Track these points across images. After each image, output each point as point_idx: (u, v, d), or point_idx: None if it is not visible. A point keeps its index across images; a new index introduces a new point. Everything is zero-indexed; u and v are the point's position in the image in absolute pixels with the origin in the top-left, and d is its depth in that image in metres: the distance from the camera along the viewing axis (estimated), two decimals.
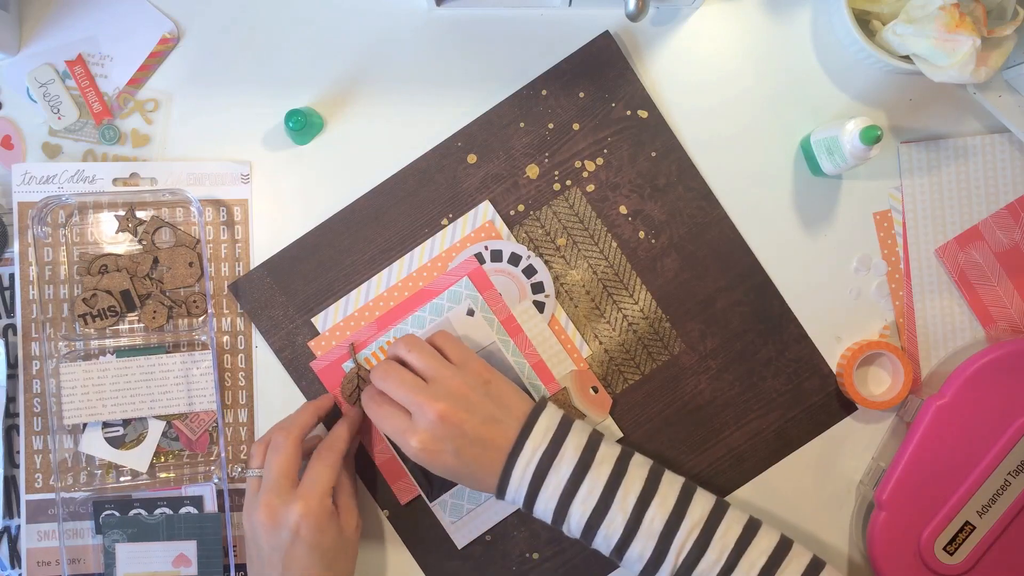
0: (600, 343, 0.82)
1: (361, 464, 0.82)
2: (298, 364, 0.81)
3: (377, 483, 0.82)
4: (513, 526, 0.82)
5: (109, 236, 0.81)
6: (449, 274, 0.81)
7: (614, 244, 0.82)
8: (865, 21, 0.78)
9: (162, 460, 0.81)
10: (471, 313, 0.80)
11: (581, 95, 0.81)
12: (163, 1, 0.81)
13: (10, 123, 0.82)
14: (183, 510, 0.81)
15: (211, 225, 0.81)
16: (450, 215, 0.82)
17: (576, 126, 0.82)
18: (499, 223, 0.81)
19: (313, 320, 0.81)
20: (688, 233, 0.82)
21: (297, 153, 0.82)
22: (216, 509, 0.81)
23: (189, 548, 0.81)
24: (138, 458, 0.81)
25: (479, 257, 0.81)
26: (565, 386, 0.80)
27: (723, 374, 0.82)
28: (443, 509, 0.81)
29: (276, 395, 0.82)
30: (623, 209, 0.82)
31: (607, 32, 0.81)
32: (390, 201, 0.81)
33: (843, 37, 0.80)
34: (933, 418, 0.76)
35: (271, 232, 0.82)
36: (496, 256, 0.81)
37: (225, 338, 0.81)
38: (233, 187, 0.81)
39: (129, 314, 0.81)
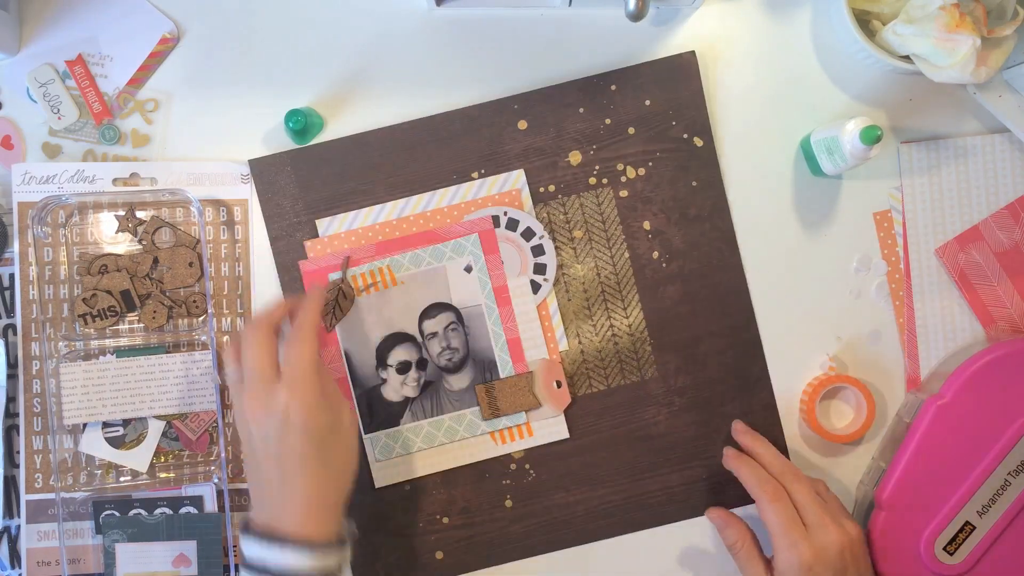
0: (579, 343, 0.82)
1: None
2: (288, 258, 0.81)
3: None
4: (434, 486, 0.81)
5: (109, 236, 0.81)
6: (462, 225, 0.81)
7: (626, 255, 0.82)
8: (865, 21, 0.78)
9: (162, 460, 0.81)
10: (468, 269, 0.81)
11: (647, 102, 0.81)
12: (163, 1, 0.81)
13: (10, 123, 0.82)
14: (183, 510, 0.81)
15: (211, 225, 0.81)
16: (482, 171, 0.81)
17: (631, 130, 0.82)
18: (526, 195, 0.81)
19: (317, 222, 0.81)
20: (700, 269, 0.82)
21: None
22: (216, 509, 0.81)
23: (189, 548, 0.80)
24: (138, 458, 0.81)
25: (496, 220, 0.81)
26: (532, 371, 0.81)
27: (683, 414, 0.82)
28: (374, 444, 0.81)
29: None
30: (647, 225, 0.82)
31: (693, 52, 0.81)
32: (431, 137, 0.81)
33: (843, 37, 0.80)
34: (933, 418, 0.76)
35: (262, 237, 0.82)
36: (512, 225, 0.81)
37: (225, 338, 0.81)
38: (233, 187, 0.81)
39: (129, 314, 0.81)
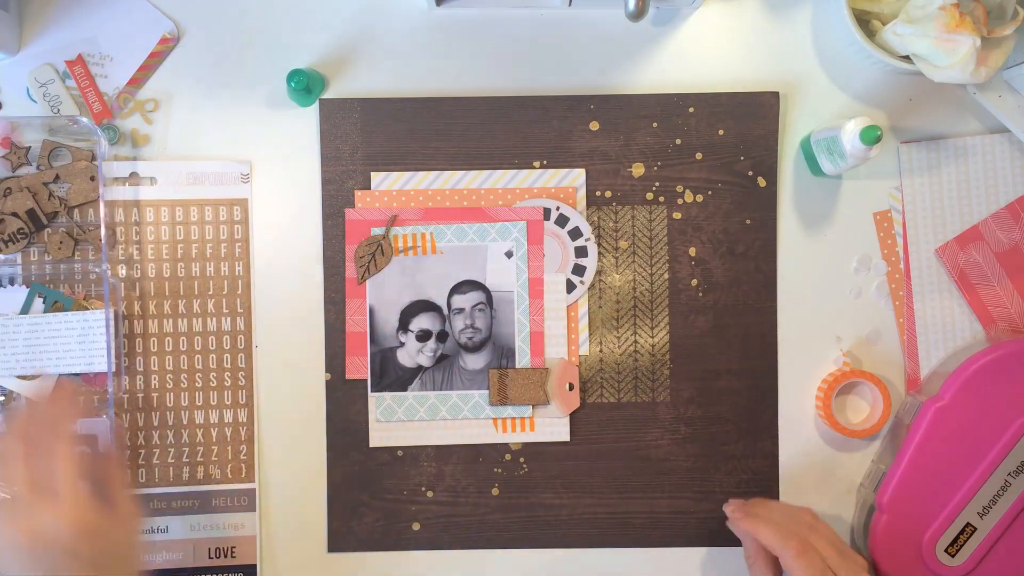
0: (601, 351, 0.82)
1: (335, 328, 0.82)
2: (335, 202, 0.82)
3: (336, 349, 0.82)
4: (427, 457, 0.82)
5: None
6: (513, 210, 0.81)
7: (665, 276, 0.82)
8: (865, 21, 0.78)
9: None
10: (509, 255, 0.81)
11: (720, 132, 0.81)
12: (163, 1, 0.81)
13: (10, 123, 0.81)
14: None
15: (211, 225, 0.81)
16: (544, 162, 0.82)
17: (699, 156, 0.82)
18: (581, 195, 0.82)
19: (373, 174, 0.81)
20: (734, 307, 0.82)
21: (297, 154, 0.82)
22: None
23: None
24: (38, 389, 0.80)
25: (547, 212, 0.82)
26: (549, 368, 0.81)
27: (686, 443, 0.82)
28: (378, 404, 0.81)
29: (279, 393, 0.82)
30: (693, 251, 0.82)
31: (776, 93, 0.81)
32: (503, 118, 0.82)
33: (843, 37, 0.80)
34: (932, 421, 0.75)
35: (272, 231, 0.82)
36: (561, 221, 0.82)
37: (225, 338, 0.81)
38: (234, 187, 0.81)
39: (37, 237, 0.80)
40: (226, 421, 0.81)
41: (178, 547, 0.81)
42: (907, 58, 0.76)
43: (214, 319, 0.81)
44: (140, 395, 0.81)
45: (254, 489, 0.81)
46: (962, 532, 0.76)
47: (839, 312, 0.82)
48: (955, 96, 0.82)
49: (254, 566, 0.81)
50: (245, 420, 0.81)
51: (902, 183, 0.82)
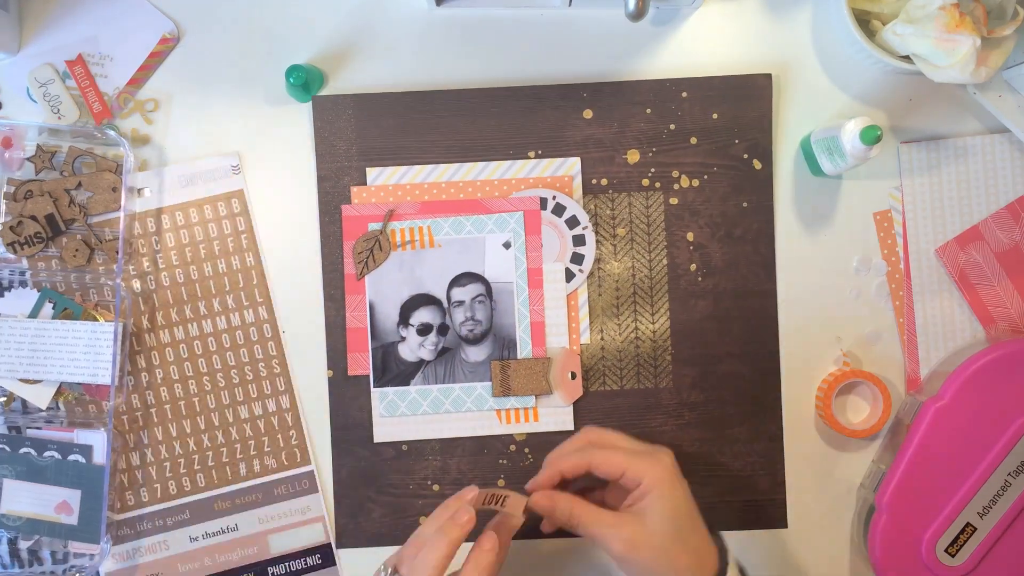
0: (602, 339, 0.82)
1: (336, 325, 0.82)
2: (331, 200, 0.82)
3: (337, 345, 0.82)
4: (432, 451, 0.82)
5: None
6: (509, 201, 0.82)
7: (664, 261, 0.82)
8: (865, 21, 0.78)
9: (62, 399, 0.81)
10: (507, 246, 0.81)
11: (714, 116, 0.82)
12: (163, 1, 0.81)
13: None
14: (71, 457, 0.80)
15: (213, 222, 0.82)
16: (539, 151, 0.82)
17: (694, 140, 0.82)
18: (577, 183, 0.82)
19: (368, 170, 0.82)
20: (734, 290, 0.82)
21: (297, 151, 0.82)
22: (106, 462, 0.80)
23: (73, 497, 0.80)
24: (40, 393, 0.80)
25: (543, 202, 0.82)
26: (551, 357, 0.81)
27: (690, 428, 0.82)
28: (381, 399, 0.82)
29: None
30: (690, 236, 0.82)
31: (770, 75, 0.81)
32: (496, 108, 0.82)
33: (843, 37, 0.80)
34: (932, 421, 0.76)
35: (273, 228, 0.82)
36: (558, 210, 0.82)
37: (251, 329, 0.82)
38: (226, 180, 0.81)
39: (54, 242, 0.80)
40: (270, 411, 0.81)
41: (250, 542, 0.82)
42: (907, 58, 0.76)
43: (236, 314, 0.81)
44: (182, 402, 0.82)
45: (312, 471, 0.82)
46: (962, 532, 0.76)
47: (839, 312, 0.82)
48: (955, 96, 0.82)
49: (328, 545, 0.82)
50: (288, 406, 0.82)
51: (902, 183, 0.82)
